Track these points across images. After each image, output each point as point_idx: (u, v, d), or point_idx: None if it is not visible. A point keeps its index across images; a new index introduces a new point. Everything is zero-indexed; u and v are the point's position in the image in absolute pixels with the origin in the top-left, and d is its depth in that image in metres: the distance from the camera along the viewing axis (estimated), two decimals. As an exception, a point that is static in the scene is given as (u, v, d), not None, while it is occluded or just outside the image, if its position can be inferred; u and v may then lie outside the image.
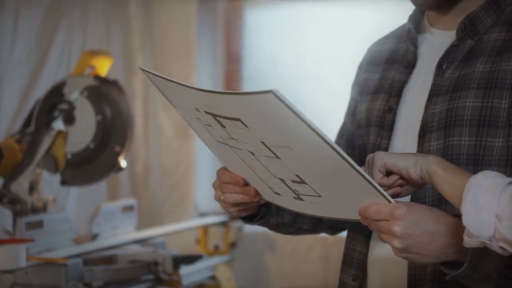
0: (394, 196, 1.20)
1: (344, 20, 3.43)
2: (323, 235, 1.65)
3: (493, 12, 1.36)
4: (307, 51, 3.47)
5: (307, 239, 3.28)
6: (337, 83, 3.14)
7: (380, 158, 1.19)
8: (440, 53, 1.37)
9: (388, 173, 1.20)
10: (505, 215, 1.07)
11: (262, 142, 1.15)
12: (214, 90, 1.13)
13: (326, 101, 3.26)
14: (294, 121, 1.07)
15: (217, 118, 1.16)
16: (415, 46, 1.42)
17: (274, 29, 3.54)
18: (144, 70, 1.23)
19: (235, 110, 1.12)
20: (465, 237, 1.10)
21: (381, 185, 1.18)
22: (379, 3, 3.22)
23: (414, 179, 1.19)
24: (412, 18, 1.45)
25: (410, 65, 1.42)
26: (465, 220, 1.08)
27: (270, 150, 1.15)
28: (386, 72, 1.46)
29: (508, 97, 1.27)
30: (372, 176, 1.19)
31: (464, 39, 1.36)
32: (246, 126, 1.13)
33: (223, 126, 1.17)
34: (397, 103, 1.40)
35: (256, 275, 3.41)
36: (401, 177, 1.20)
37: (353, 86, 1.56)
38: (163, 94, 1.26)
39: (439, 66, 1.37)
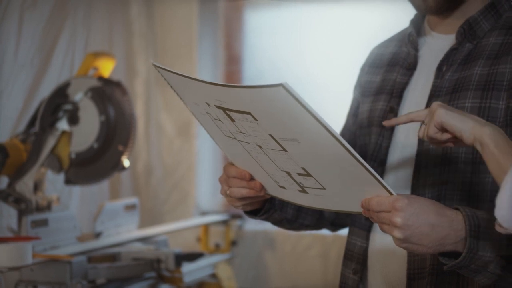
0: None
1: (344, 21, 3.45)
2: (322, 233, 1.69)
3: (491, 17, 1.41)
4: (307, 52, 3.49)
5: (307, 238, 3.31)
6: (337, 84, 3.16)
7: (439, 116, 1.20)
8: (440, 56, 1.42)
9: (443, 129, 1.22)
10: None
11: (271, 135, 1.19)
12: (226, 83, 1.17)
13: (327, 102, 3.29)
14: (302, 114, 1.11)
15: (227, 111, 1.20)
16: (416, 49, 1.47)
17: (275, 30, 3.56)
18: (156, 66, 1.27)
19: (246, 103, 1.16)
20: (497, 225, 1.12)
21: (434, 139, 1.22)
22: (379, 5, 3.25)
23: (466, 143, 1.21)
24: (413, 22, 1.50)
25: (411, 67, 1.47)
26: (497, 213, 1.10)
27: (278, 143, 1.19)
28: (387, 74, 1.51)
29: (505, 98, 1.32)
30: (428, 128, 1.22)
31: (463, 43, 1.41)
32: (256, 119, 1.17)
33: (232, 120, 1.21)
34: (398, 104, 1.45)
35: (256, 273, 3.43)
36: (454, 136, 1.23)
37: (356, 87, 1.60)
38: (174, 90, 1.30)
39: (439, 68, 1.41)
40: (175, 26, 3.53)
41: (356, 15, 3.38)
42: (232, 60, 3.65)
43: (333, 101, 3.16)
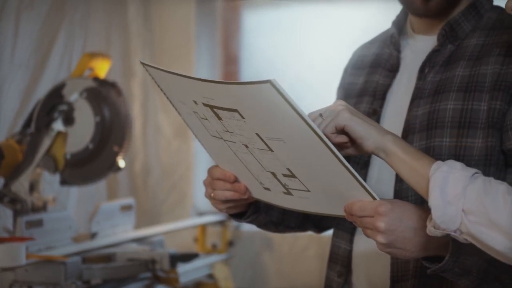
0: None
1: (342, 21, 3.45)
2: (320, 234, 1.69)
3: (472, 18, 1.41)
4: (305, 52, 3.49)
5: (304, 238, 3.31)
6: (335, 84, 3.16)
7: (344, 120, 1.20)
8: (422, 57, 1.42)
9: (341, 132, 1.22)
10: (472, 210, 1.11)
11: (257, 134, 1.18)
12: (214, 80, 1.17)
13: (325, 102, 3.28)
14: (289, 112, 1.11)
15: (215, 109, 1.19)
16: (398, 51, 1.47)
17: (273, 30, 3.56)
18: (144, 64, 1.27)
19: (233, 100, 1.16)
20: (431, 228, 1.14)
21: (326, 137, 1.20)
22: (378, 5, 3.25)
23: (366, 151, 1.22)
24: (396, 23, 1.50)
25: (393, 69, 1.47)
26: (435, 214, 1.13)
27: (264, 143, 1.19)
28: (370, 76, 1.50)
29: (486, 100, 1.32)
30: (327, 126, 1.20)
31: (445, 44, 1.41)
32: (243, 117, 1.17)
33: (219, 119, 1.20)
34: (381, 105, 1.45)
35: (253, 274, 3.44)
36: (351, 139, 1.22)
37: (339, 89, 1.60)
38: (160, 88, 1.30)
39: (421, 70, 1.41)
40: (172, 26, 3.54)
41: (353, 15, 3.38)
42: (230, 61, 3.66)
43: (332, 101, 3.15)
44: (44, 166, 2.54)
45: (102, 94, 2.55)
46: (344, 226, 1.46)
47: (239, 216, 1.45)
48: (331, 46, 3.42)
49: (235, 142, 1.24)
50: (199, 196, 3.56)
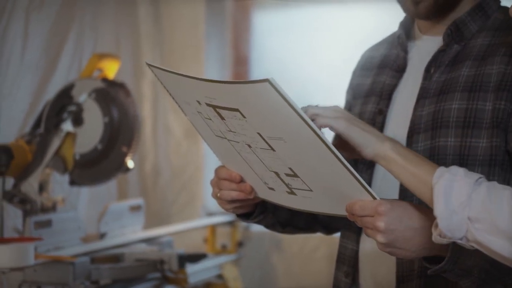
0: None
1: (352, 22, 3.44)
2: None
3: (478, 18, 1.40)
4: (315, 53, 3.49)
5: (314, 239, 3.31)
6: (345, 85, 3.15)
7: (342, 126, 1.21)
8: (429, 58, 1.41)
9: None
10: (478, 217, 1.10)
11: (259, 134, 1.18)
12: (215, 79, 1.17)
13: (337, 103, 3.26)
14: (287, 111, 1.10)
15: (217, 109, 1.19)
16: (405, 52, 1.46)
17: (282, 31, 3.56)
18: (149, 65, 1.27)
19: (234, 99, 1.16)
20: (437, 236, 1.13)
21: None
22: (388, 6, 3.23)
23: (365, 158, 1.22)
24: (403, 24, 1.50)
25: (400, 69, 1.46)
26: (440, 224, 1.12)
27: (266, 142, 1.19)
28: (377, 77, 1.50)
29: (491, 100, 1.31)
30: (324, 125, 1.20)
31: (450, 44, 1.40)
32: (244, 117, 1.17)
33: (222, 118, 1.20)
34: (387, 105, 1.45)
35: (262, 274, 3.43)
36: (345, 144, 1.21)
37: (348, 90, 1.60)
38: (167, 90, 1.30)
39: (427, 70, 1.41)
40: (182, 27, 3.54)
41: (364, 16, 3.37)
42: (240, 61, 3.66)
43: (342, 103, 3.14)
44: (54, 166, 2.55)
45: (111, 94, 2.56)
46: (351, 226, 1.45)
47: (246, 216, 1.45)
48: (342, 47, 3.41)
49: (238, 142, 1.24)
50: (208, 196, 3.55)
